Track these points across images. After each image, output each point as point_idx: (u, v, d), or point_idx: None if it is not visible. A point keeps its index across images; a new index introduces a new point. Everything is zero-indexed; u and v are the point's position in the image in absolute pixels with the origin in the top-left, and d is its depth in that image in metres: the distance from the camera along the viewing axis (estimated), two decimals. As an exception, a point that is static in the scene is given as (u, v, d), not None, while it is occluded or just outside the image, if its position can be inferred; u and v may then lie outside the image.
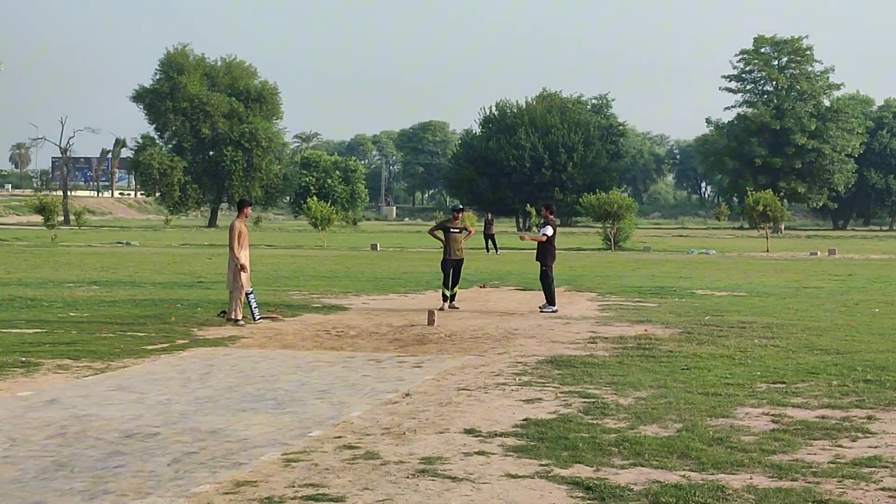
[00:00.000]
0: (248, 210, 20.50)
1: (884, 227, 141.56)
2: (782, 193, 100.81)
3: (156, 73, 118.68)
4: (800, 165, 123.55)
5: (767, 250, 58.47)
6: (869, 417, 10.60)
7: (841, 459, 8.79)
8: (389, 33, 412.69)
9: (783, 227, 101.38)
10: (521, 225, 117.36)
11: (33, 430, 9.75)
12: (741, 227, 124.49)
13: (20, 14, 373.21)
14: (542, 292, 22.86)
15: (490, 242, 53.83)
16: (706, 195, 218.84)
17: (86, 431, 9.69)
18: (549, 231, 22.87)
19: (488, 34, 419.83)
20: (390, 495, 7.61)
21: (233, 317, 19.18)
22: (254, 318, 19.45)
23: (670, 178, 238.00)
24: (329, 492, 7.67)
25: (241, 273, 19.30)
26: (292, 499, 7.50)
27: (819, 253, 55.19)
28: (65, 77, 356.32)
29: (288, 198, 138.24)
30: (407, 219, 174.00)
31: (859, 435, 9.79)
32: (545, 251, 22.86)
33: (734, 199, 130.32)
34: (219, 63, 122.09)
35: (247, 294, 19.50)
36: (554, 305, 22.41)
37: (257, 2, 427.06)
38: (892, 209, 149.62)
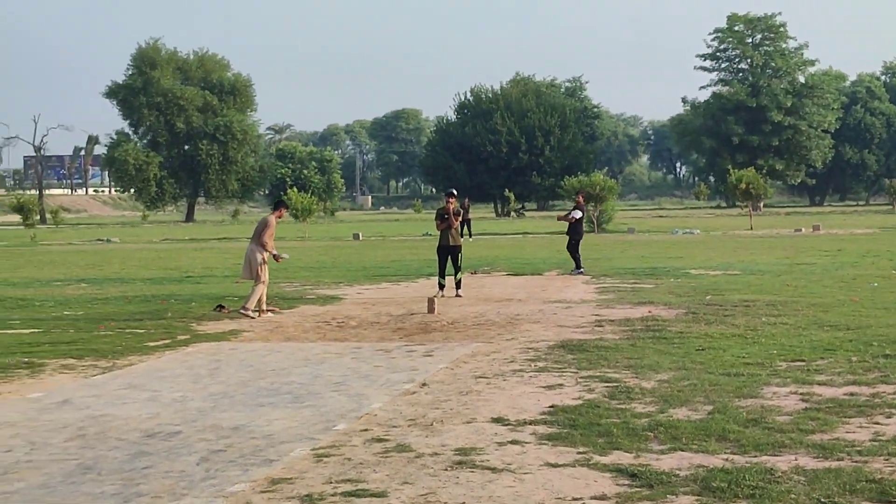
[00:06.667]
0: (284, 211, 21.29)
1: (860, 202, 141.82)
2: (763, 171, 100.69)
3: (128, 69, 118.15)
4: (777, 142, 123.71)
5: (751, 228, 58.43)
6: (899, 393, 10.43)
7: (882, 437, 8.59)
8: (360, 21, 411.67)
9: (762, 205, 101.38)
10: (499, 210, 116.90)
11: (50, 432, 9.46)
12: (718, 206, 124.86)
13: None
14: (572, 260, 28.05)
15: (466, 228, 53.50)
16: (682, 175, 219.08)
17: (105, 432, 9.41)
18: (578, 214, 28.55)
19: (459, 19, 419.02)
20: (432, 489, 7.38)
21: (249, 306, 19.11)
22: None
23: (645, 159, 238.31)
24: (369, 487, 7.43)
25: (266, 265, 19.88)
26: (332, 495, 7.26)
27: (804, 229, 55.18)
28: (37, 75, 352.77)
29: (264, 190, 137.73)
30: (382, 207, 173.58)
31: (894, 411, 9.61)
32: (575, 229, 28.03)
33: (711, 178, 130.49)
34: (191, 57, 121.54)
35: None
36: (581, 268, 27.55)
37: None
38: (868, 184, 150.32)
